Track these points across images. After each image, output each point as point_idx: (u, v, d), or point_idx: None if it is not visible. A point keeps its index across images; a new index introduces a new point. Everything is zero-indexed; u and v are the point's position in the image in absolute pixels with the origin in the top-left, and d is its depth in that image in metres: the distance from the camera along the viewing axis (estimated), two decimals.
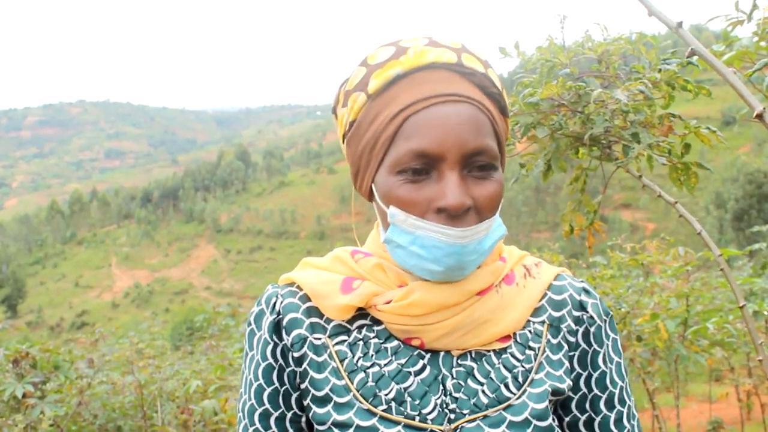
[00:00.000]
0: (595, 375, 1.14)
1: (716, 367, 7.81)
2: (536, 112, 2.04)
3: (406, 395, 1.04)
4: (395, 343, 1.08)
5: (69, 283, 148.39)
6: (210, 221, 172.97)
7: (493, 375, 1.06)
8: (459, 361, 1.07)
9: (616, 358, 1.16)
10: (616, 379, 1.15)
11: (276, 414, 1.12)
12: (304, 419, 1.13)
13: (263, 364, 1.12)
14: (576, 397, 1.14)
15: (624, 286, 4.17)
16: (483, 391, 1.05)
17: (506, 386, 1.05)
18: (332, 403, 1.06)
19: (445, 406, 1.04)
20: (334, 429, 1.05)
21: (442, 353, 1.07)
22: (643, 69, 1.98)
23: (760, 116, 1.28)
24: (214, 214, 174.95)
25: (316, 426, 1.09)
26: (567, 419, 1.15)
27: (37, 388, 3.94)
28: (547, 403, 1.06)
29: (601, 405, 1.14)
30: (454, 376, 1.05)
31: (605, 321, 1.16)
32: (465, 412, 1.03)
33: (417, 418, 1.03)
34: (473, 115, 1.01)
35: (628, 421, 1.16)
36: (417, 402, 1.04)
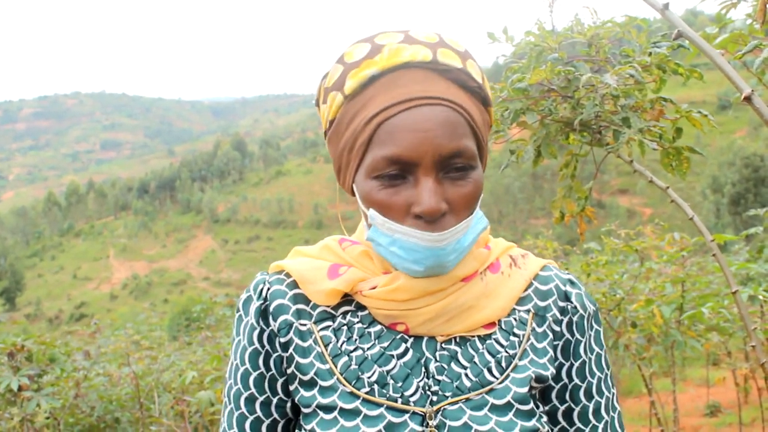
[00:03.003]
0: (576, 365, 1.14)
1: (713, 351, 7.83)
2: (525, 97, 2.02)
3: (388, 378, 1.05)
4: (378, 327, 1.09)
5: (67, 275, 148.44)
6: (207, 211, 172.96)
7: (476, 359, 1.07)
8: (443, 346, 1.08)
9: (597, 349, 1.17)
10: (596, 370, 1.16)
11: (261, 398, 1.14)
12: (289, 404, 1.14)
13: (249, 349, 1.14)
14: (557, 387, 1.14)
15: (619, 271, 4.16)
16: (466, 375, 1.06)
17: (489, 370, 1.06)
18: (318, 386, 1.07)
19: (427, 388, 1.05)
20: (318, 411, 1.07)
21: (425, 338, 1.08)
22: (633, 53, 1.95)
23: (748, 99, 1.27)
24: (212, 204, 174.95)
25: (302, 409, 1.10)
26: (546, 409, 1.14)
27: (33, 380, 3.93)
28: (528, 388, 1.06)
29: (581, 395, 1.15)
30: (438, 359, 1.07)
31: (589, 312, 1.17)
32: (447, 394, 1.04)
33: (399, 400, 1.04)
34: (448, 117, 1.00)
35: (607, 412, 1.16)
36: (399, 384, 1.05)
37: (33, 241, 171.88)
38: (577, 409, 1.14)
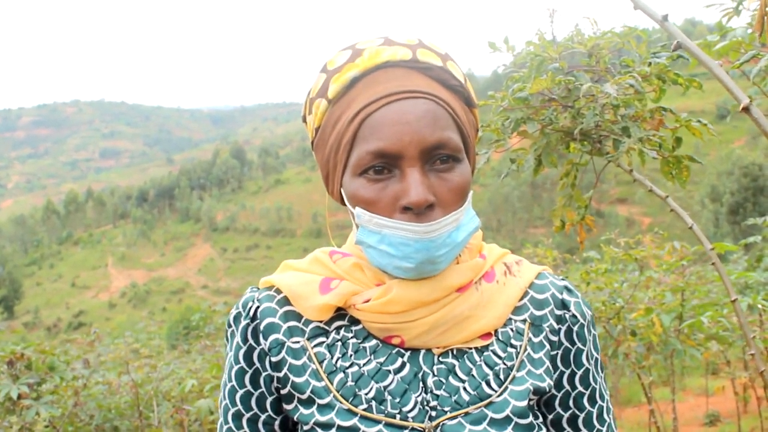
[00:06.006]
0: (579, 373, 1.14)
1: (713, 360, 7.83)
2: (526, 106, 2.03)
3: (386, 394, 1.04)
4: (373, 342, 1.08)
5: (65, 284, 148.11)
6: (206, 220, 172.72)
7: (474, 372, 1.06)
8: (440, 359, 1.06)
9: (595, 354, 1.17)
10: (596, 375, 1.17)
11: (248, 415, 1.13)
12: (278, 423, 1.13)
13: (236, 367, 1.13)
14: (559, 395, 1.13)
15: (619, 280, 4.17)
16: (464, 389, 1.04)
17: (488, 383, 1.05)
18: (316, 404, 1.06)
19: (425, 403, 1.04)
20: (316, 429, 1.05)
21: (422, 351, 1.07)
22: (633, 63, 1.97)
23: (746, 109, 1.28)
24: (210, 212, 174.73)
25: (301, 426, 1.08)
26: (550, 417, 1.14)
27: (33, 389, 3.92)
28: (527, 401, 1.05)
29: (585, 401, 1.14)
30: (435, 373, 1.05)
31: (588, 319, 1.16)
32: (446, 409, 1.03)
33: (397, 416, 1.03)
34: (430, 109, 1.01)
35: (607, 414, 1.17)
36: (397, 400, 1.04)
37: (31, 249, 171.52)
38: (582, 416, 1.14)
